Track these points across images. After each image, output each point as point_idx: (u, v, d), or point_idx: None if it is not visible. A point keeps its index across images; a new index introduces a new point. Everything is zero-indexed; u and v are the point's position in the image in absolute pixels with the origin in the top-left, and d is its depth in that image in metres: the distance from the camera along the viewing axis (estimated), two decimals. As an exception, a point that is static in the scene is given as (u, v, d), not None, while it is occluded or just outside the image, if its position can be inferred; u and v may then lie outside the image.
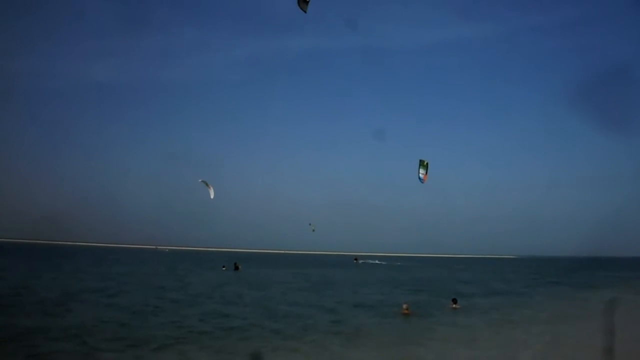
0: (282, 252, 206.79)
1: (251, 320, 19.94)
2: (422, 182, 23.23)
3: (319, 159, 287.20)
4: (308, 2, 9.67)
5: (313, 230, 56.13)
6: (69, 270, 48.96)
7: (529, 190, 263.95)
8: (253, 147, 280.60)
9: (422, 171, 23.00)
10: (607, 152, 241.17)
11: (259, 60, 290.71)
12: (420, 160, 23.23)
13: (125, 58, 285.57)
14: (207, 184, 32.32)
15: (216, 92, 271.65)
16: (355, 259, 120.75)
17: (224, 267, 60.01)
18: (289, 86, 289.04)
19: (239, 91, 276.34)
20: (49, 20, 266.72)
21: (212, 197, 32.12)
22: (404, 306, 23.38)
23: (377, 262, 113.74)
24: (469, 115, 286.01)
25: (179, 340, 15.30)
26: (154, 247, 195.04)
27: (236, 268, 58.33)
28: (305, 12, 9.73)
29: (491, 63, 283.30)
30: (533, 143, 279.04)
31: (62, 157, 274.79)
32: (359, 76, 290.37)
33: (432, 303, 28.21)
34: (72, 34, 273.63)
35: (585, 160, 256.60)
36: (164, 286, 34.79)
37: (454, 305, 25.61)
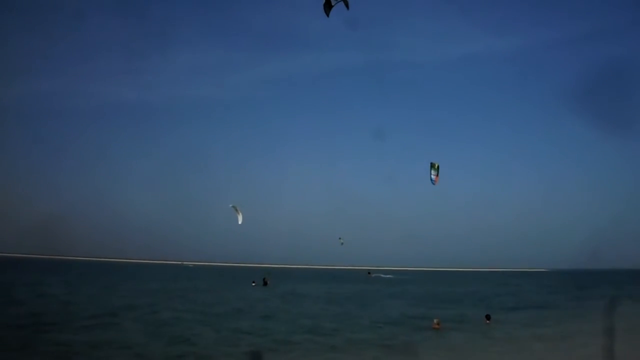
0: (291, 267, 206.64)
1: (348, 334, 22.02)
2: (434, 184, 23.49)
3: (327, 171, 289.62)
4: (332, 6, 9.92)
5: (342, 244, 57.41)
6: (127, 287, 51.21)
7: (540, 200, 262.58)
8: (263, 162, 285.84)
9: (433, 172, 23.29)
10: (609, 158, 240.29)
11: (284, 77, 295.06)
12: (431, 163, 23.56)
13: (154, 77, 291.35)
14: (237, 210, 32.92)
15: (244, 109, 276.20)
16: (369, 273, 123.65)
17: (253, 282, 61.47)
18: (313, 101, 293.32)
19: (266, 107, 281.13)
20: (78, 40, 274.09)
21: (240, 222, 32.72)
22: (435, 321, 23.93)
23: (389, 276, 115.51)
24: (474, 126, 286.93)
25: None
26: (180, 262, 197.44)
27: (265, 283, 59.93)
28: (327, 16, 9.92)
29: (487, 76, 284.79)
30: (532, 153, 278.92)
31: (91, 174, 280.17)
32: (372, 89, 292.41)
33: (465, 317, 29.14)
34: (101, 53, 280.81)
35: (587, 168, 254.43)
36: (229, 297, 37.91)
37: (487, 321, 26.26)
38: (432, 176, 23.21)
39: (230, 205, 33.60)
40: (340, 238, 58.04)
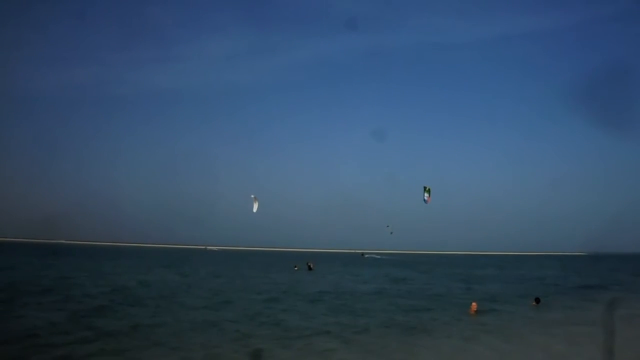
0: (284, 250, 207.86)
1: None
2: (426, 203, 27.29)
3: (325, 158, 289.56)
4: None
5: (391, 233, 57.91)
6: (205, 273, 52.75)
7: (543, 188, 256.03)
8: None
9: (426, 195, 26.93)
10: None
11: (316, 62, 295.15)
12: (424, 187, 27.36)
13: (188, 63, 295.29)
14: (255, 200, 35.55)
15: (278, 94, 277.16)
16: (362, 254, 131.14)
17: (295, 267, 62.87)
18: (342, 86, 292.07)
19: (302, 92, 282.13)
20: (111, 28, 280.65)
21: (254, 210, 35.09)
22: (473, 304, 23.84)
23: (380, 257, 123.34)
24: (484, 112, 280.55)
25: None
26: (204, 247, 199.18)
27: (309, 268, 61.25)
28: None
29: (487, 64, 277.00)
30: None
31: (122, 159, 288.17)
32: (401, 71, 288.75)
33: (509, 300, 29.61)
34: (136, 40, 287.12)
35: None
36: (309, 281, 40.64)
37: (535, 304, 26.22)
38: (425, 197, 26.99)
39: (252, 196, 36.30)
40: (388, 226, 58.48)
